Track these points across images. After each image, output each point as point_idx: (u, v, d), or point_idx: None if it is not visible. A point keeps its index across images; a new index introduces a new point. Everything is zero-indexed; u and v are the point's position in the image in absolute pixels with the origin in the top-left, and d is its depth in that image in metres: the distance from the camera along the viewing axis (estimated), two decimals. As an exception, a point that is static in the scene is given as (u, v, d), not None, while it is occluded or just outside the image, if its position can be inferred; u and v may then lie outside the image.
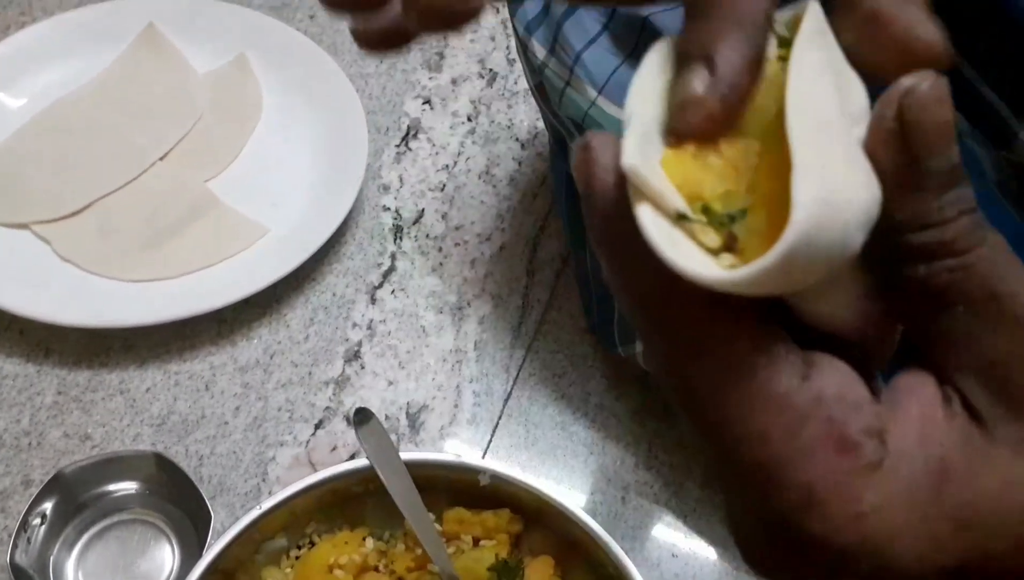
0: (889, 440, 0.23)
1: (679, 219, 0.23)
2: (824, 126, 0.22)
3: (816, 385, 0.23)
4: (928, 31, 0.23)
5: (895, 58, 0.23)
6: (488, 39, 0.89)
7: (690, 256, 0.22)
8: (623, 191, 0.23)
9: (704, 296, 0.22)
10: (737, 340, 0.23)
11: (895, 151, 0.22)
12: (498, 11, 0.91)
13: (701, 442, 0.25)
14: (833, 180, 0.21)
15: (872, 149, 0.23)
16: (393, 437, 0.67)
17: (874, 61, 0.24)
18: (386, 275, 0.75)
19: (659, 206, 0.23)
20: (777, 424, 0.22)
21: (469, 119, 0.84)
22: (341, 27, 0.88)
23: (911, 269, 0.23)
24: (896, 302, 0.24)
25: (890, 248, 0.23)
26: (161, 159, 0.77)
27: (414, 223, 0.78)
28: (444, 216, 0.78)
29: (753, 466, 0.23)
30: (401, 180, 0.80)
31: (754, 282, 0.21)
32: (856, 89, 0.24)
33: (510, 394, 0.71)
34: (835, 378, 0.23)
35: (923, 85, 0.22)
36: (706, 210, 0.23)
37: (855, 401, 0.23)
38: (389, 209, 0.78)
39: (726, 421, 0.23)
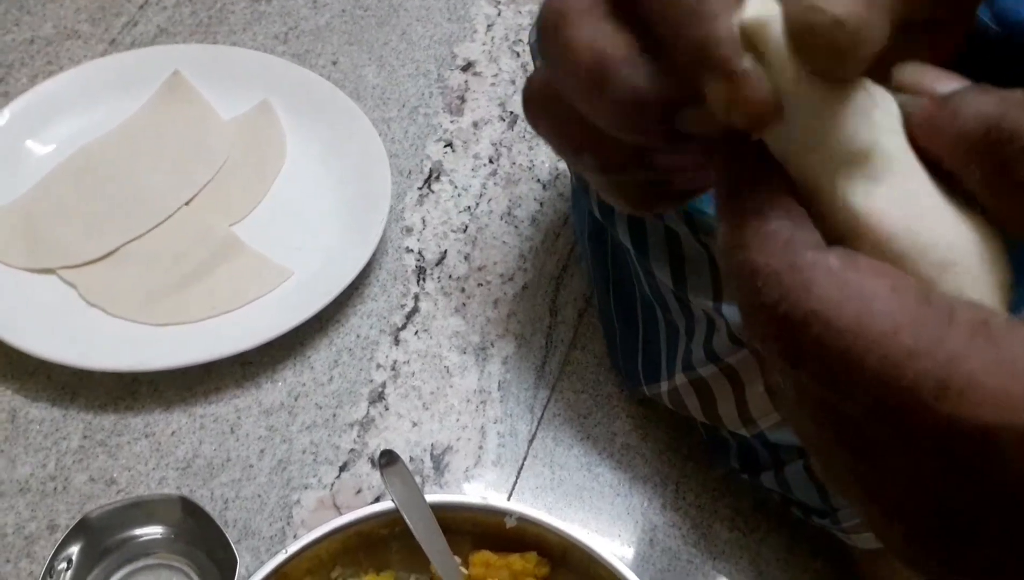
0: None
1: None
2: None
3: (945, 296, 0.22)
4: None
5: None
6: (509, 82, 0.90)
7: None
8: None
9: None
10: (859, 273, 0.22)
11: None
12: (519, 55, 0.92)
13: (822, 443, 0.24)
14: None
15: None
16: (418, 479, 0.67)
17: None
18: (409, 316, 0.75)
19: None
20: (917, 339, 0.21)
21: (491, 161, 0.84)
22: (363, 73, 0.89)
23: (1018, 169, 0.22)
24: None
25: (991, 168, 0.23)
26: (186, 204, 0.77)
27: (437, 264, 0.78)
28: (467, 257, 0.79)
29: (902, 398, 0.21)
30: (424, 222, 0.80)
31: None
32: None
33: (535, 435, 0.70)
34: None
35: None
36: None
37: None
38: (412, 251, 0.79)
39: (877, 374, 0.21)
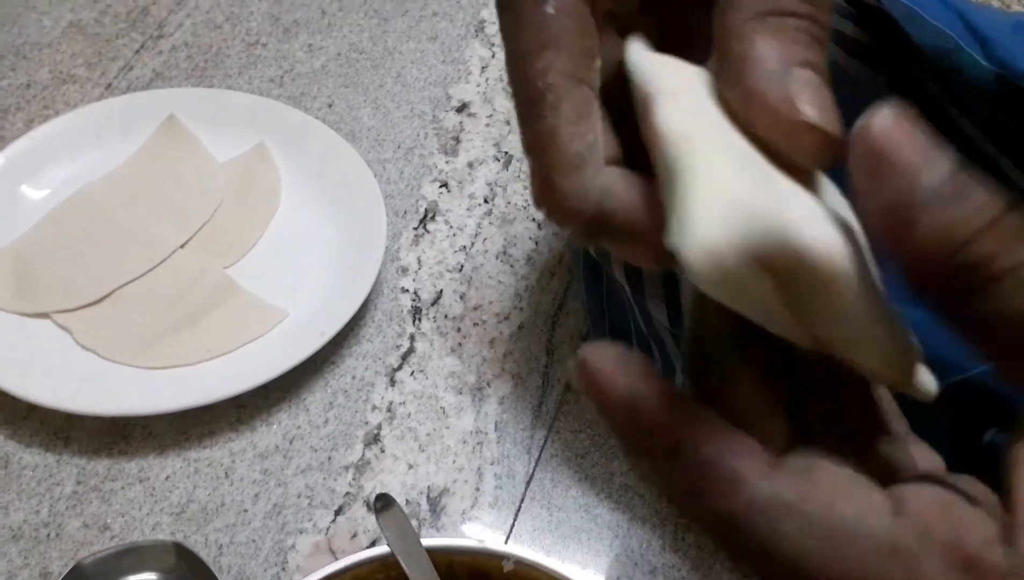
0: (1018, 537, 0.21)
1: None
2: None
3: (915, 514, 0.21)
4: (811, 112, 0.23)
5: (781, 135, 0.23)
6: (503, 123, 0.90)
7: None
8: (636, 389, 0.24)
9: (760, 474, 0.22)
10: (819, 505, 0.21)
11: (882, 189, 0.22)
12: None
13: None
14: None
15: (858, 192, 0.22)
16: (414, 522, 0.66)
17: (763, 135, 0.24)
18: (405, 357, 0.75)
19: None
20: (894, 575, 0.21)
21: (486, 201, 0.85)
22: (359, 115, 0.89)
23: (984, 304, 0.21)
24: (992, 348, 0.22)
25: (953, 293, 0.21)
26: (182, 247, 0.77)
27: (432, 304, 0.78)
28: (462, 296, 0.78)
29: None
30: (419, 262, 0.80)
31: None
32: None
33: (532, 476, 0.70)
34: (928, 497, 0.21)
35: (874, 120, 0.22)
36: None
37: (961, 515, 0.21)
38: (408, 291, 0.78)
39: None
